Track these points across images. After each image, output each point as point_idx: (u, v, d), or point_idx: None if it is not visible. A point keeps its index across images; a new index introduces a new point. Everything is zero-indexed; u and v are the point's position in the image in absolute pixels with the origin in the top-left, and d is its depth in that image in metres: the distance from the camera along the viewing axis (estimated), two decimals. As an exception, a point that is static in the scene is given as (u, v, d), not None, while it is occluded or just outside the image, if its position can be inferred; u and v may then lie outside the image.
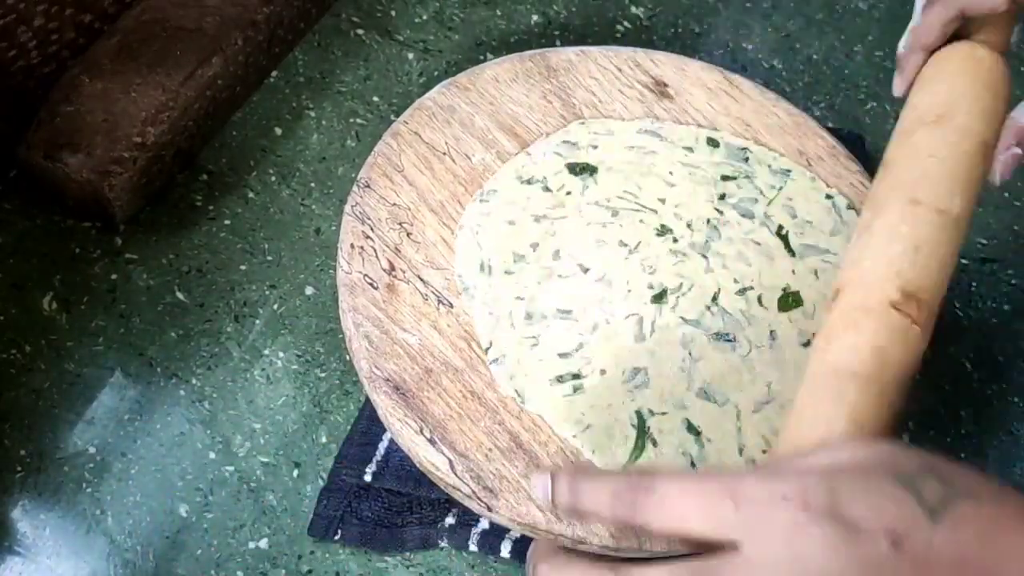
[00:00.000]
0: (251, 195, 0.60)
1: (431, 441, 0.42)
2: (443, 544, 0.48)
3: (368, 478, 0.49)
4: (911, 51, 0.43)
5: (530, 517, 0.41)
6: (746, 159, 0.53)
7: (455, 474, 0.42)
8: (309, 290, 0.57)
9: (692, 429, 0.44)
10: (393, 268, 0.46)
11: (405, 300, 0.45)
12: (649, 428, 0.44)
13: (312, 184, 0.61)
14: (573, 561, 0.32)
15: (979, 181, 0.39)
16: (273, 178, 0.61)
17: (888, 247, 0.37)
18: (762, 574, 0.27)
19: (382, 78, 0.66)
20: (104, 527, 0.49)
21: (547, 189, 0.49)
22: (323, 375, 0.54)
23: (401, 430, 0.42)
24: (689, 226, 0.50)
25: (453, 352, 0.44)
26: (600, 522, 0.38)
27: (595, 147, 0.50)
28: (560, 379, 0.45)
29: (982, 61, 0.41)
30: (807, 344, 0.45)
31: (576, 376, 0.45)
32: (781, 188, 0.51)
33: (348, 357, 0.48)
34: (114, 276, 0.56)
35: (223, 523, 0.49)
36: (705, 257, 0.48)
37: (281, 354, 0.54)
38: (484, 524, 0.48)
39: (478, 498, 0.41)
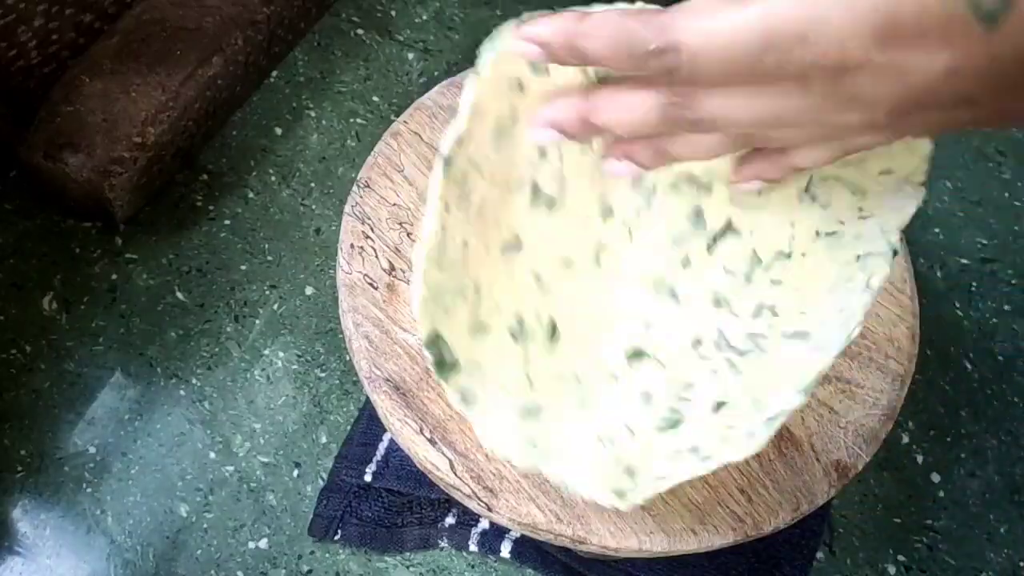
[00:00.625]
0: (251, 195, 0.60)
1: (431, 441, 0.42)
2: (443, 544, 0.48)
3: (368, 478, 0.49)
4: None
5: (530, 517, 0.41)
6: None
7: (455, 474, 0.42)
8: (309, 290, 0.57)
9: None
10: (393, 268, 0.46)
11: (405, 300, 0.45)
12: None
13: (312, 184, 0.61)
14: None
15: None
16: (273, 178, 0.61)
17: None
18: None
19: (382, 78, 0.66)
20: (104, 527, 0.49)
21: None
22: (323, 375, 0.54)
23: (401, 430, 0.42)
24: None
25: (453, 352, 0.44)
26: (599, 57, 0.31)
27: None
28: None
29: None
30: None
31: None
32: None
33: (348, 357, 0.48)
34: (114, 276, 0.56)
35: (223, 523, 0.49)
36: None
37: (281, 354, 0.54)
38: (484, 524, 0.48)
39: (478, 498, 0.41)
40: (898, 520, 0.54)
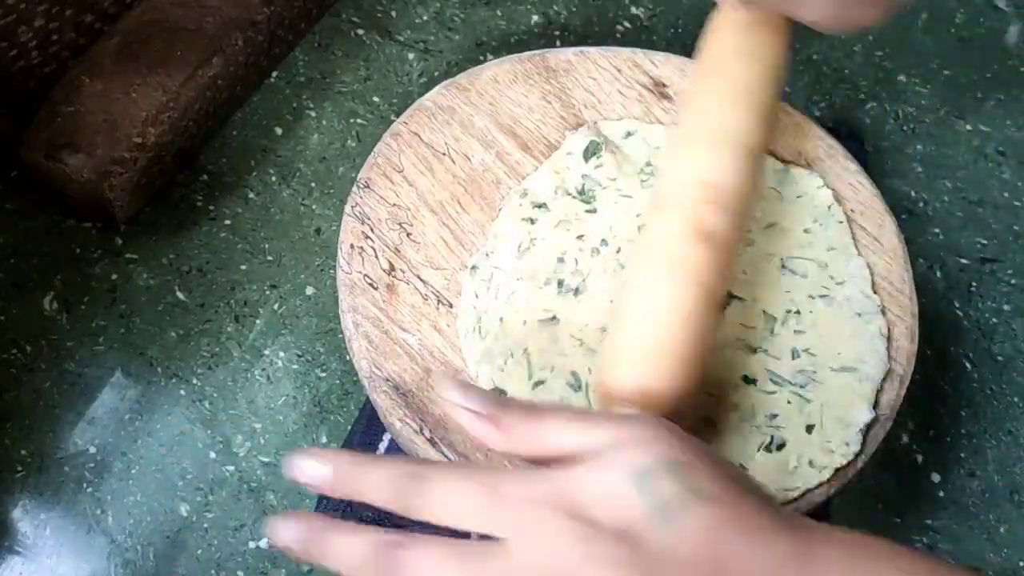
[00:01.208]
0: (251, 195, 0.60)
1: (431, 441, 0.42)
2: (443, 544, 0.48)
3: (368, 478, 0.49)
4: None
5: (530, 517, 0.41)
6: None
7: (455, 474, 0.42)
8: (309, 290, 0.57)
9: None
10: (393, 268, 0.46)
11: (405, 300, 0.45)
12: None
13: (312, 184, 0.61)
14: (351, 527, 0.32)
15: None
16: (273, 178, 0.61)
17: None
18: (521, 566, 0.28)
19: (382, 78, 0.66)
20: (104, 527, 0.49)
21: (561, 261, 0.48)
22: (323, 375, 0.54)
23: (401, 430, 0.42)
24: None
25: (453, 352, 0.44)
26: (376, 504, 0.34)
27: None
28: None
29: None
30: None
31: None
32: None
33: (348, 357, 0.48)
34: (114, 276, 0.56)
35: (223, 523, 0.49)
36: None
37: (281, 354, 0.54)
38: (484, 524, 0.48)
39: (478, 498, 0.41)
40: (898, 520, 0.54)
